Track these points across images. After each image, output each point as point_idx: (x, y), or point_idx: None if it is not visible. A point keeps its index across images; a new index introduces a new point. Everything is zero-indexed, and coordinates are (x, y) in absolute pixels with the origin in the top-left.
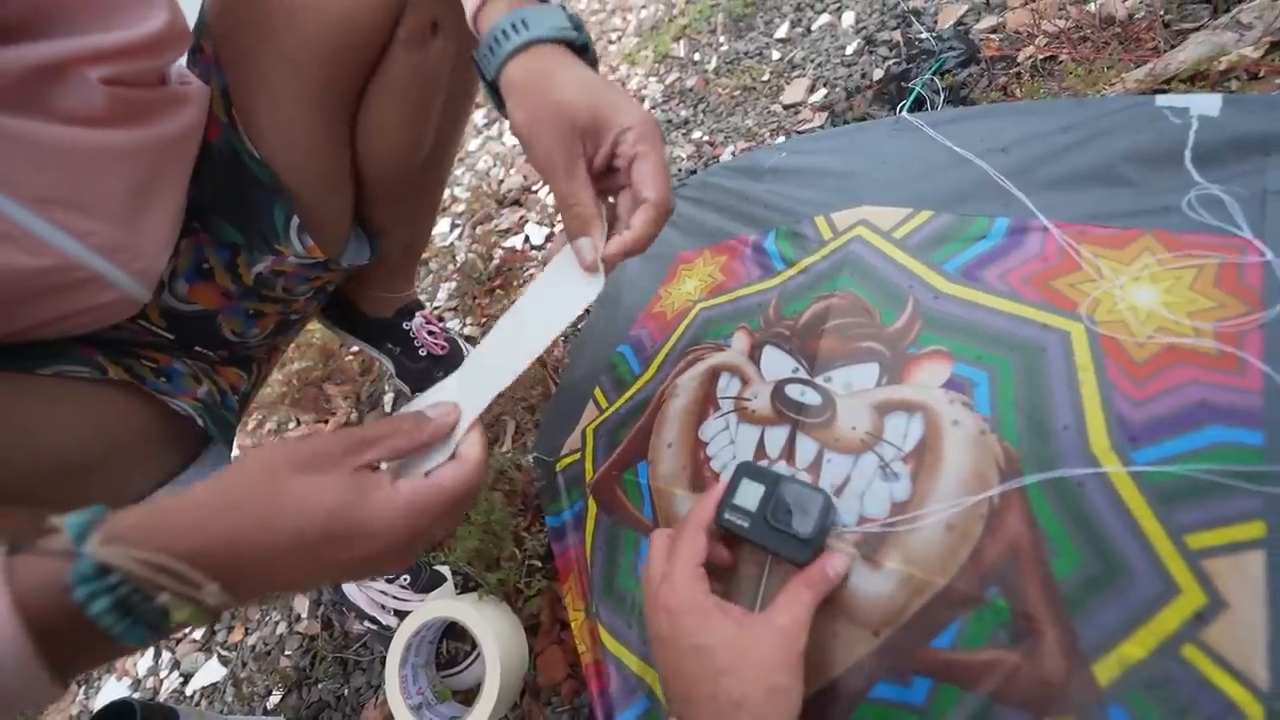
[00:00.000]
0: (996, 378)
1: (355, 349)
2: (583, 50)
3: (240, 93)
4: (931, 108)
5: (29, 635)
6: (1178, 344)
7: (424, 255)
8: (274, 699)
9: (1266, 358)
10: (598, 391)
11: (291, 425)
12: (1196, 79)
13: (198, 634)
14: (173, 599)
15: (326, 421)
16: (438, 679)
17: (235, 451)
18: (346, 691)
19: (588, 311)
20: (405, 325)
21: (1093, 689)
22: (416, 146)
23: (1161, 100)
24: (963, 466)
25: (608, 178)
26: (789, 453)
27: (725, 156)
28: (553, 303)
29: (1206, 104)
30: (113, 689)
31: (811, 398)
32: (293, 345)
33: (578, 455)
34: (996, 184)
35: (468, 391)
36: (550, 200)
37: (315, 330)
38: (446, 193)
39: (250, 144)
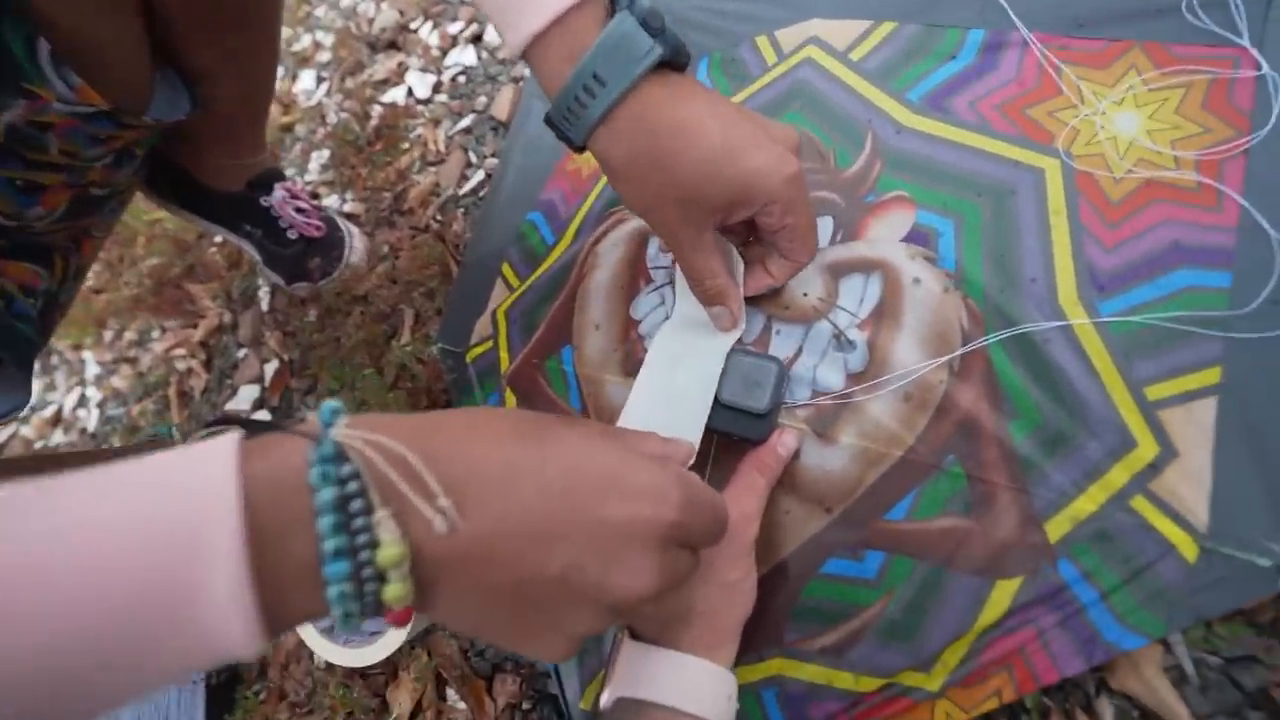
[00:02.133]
0: (962, 227)
1: (219, 239)
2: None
3: None
4: None
5: (245, 521)
6: (1156, 178)
7: (288, 119)
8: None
9: (1246, 189)
10: (506, 267)
11: (155, 334)
12: None
13: None
14: (390, 523)
15: (195, 325)
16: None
17: (92, 367)
18: None
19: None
20: (264, 200)
21: (1044, 547)
22: None
23: None
24: (924, 330)
25: (739, 227)
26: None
27: None
28: (699, 353)
29: None
30: None
31: None
32: (143, 238)
33: (490, 343)
34: None
35: None
36: (435, 42)
37: (165, 216)
38: (308, 38)
39: None
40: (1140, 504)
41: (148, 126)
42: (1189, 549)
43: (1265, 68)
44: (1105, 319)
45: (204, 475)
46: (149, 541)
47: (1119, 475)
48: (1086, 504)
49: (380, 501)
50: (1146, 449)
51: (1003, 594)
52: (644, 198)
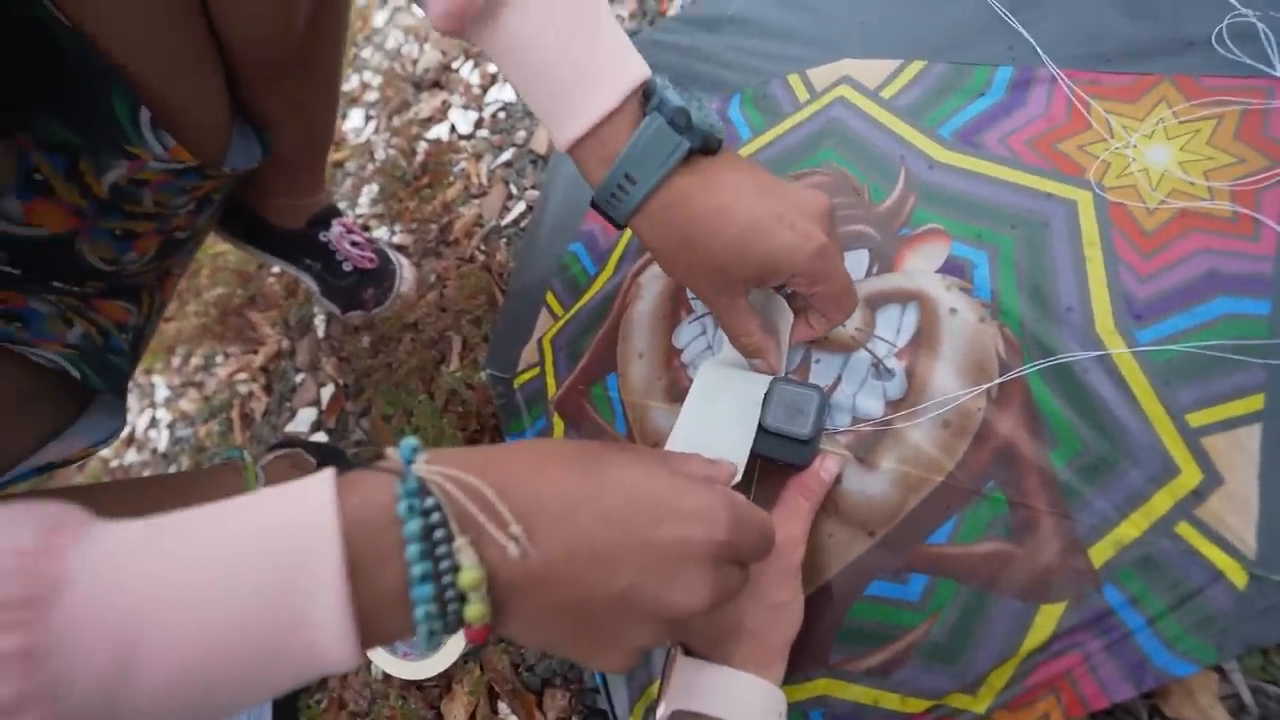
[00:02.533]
0: (997, 257)
1: (277, 269)
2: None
3: None
4: None
5: (344, 552)
6: (1190, 209)
7: (339, 155)
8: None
9: None
10: (550, 297)
11: (219, 359)
12: None
13: None
14: (469, 550)
15: (256, 351)
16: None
17: (162, 391)
18: None
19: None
20: (322, 236)
21: (1088, 572)
22: (287, 3)
23: None
24: (961, 358)
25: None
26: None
27: (674, 10)
28: (743, 381)
29: None
30: None
31: None
32: (206, 270)
33: (537, 370)
34: (1000, 21)
35: None
36: (476, 80)
37: (228, 249)
38: (355, 79)
39: (55, 8)
40: (1185, 530)
41: (226, 176)
42: (1238, 576)
43: None
44: (1145, 347)
45: (305, 513)
46: (264, 574)
47: (1162, 501)
48: (1130, 530)
49: (460, 530)
50: (1190, 476)
51: (1047, 618)
52: (679, 272)
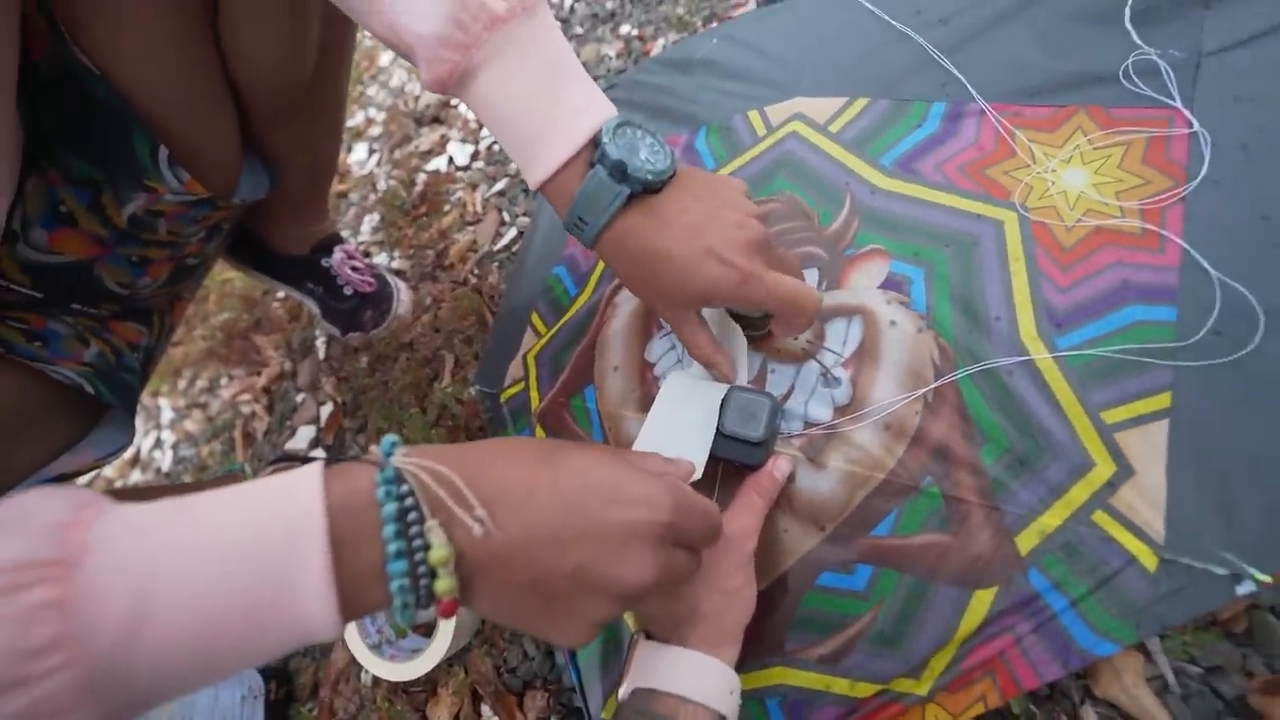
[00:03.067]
0: (932, 274)
1: (281, 295)
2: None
3: None
4: None
5: (329, 531)
6: (1104, 225)
7: (343, 186)
8: (222, 679)
9: (1186, 233)
10: (535, 316)
11: (223, 381)
12: None
13: None
14: (438, 530)
15: (259, 373)
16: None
17: (166, 412)
18: None
19: (521, 233)
20: (325, 262)
21: (1015, 559)
22: (297, 49)
23: None
24: (900, 366)
25: None
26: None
27: (656, 51)
28: (703, 391)
29: None
30: None
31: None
32: (214, 296)
33: (521, 384)
34: (934, 62)
35: None
36: (473, 116)
37: (236, 277)
38: (360, 115)
39: (85, 57)
40: (1101, 518)
41: (236, 206)
42: (1149, 559)
43: (1196, 125)
44: (1064, 352)
45: (296, 496)
46: (259, 547)
47: (1080, 493)
48: (1051, 519)
49: (431, 513)
50: (1104, 468)
51: (980, 603)
52: (637, 292)
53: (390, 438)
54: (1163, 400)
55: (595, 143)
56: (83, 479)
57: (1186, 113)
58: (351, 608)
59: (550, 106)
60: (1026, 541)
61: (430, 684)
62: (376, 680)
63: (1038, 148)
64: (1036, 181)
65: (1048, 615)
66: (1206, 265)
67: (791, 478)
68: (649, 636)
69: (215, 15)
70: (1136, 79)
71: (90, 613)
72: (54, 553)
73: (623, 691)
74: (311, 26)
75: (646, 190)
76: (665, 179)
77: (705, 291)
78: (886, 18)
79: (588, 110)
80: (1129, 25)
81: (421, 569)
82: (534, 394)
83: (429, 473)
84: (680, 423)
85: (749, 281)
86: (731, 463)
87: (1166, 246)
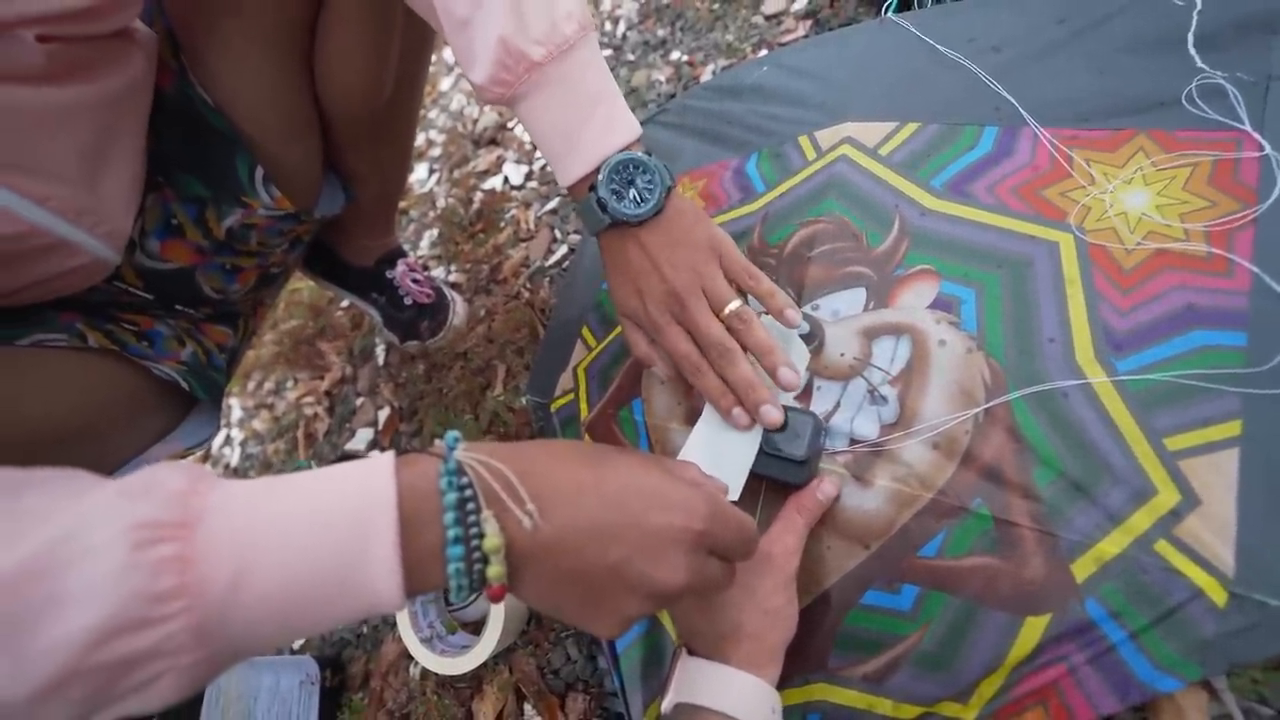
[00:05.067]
0: (983, 294)
1: (345, 304)
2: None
3: (186, 34)
4: (920, 5)
5: (398, 513)
6: (1167, 248)
7: (404, 203)
8: (299, 640)
9: (1256, 257)
10: (586, 331)
11: (289, 384)
12: None
13: None
14: (492, 521)
15: (323, 377)
16: (446, 613)
17: (236, 412)
18: (365, 629)
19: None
20: (388, 274)
21: (1071, 586)
22: (379, 79)
23: None
24: (949, 386)
25: None
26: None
27: (706, 77)
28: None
29: None
30: None
31: (800, 327)
32: (283, 304)
33: (571, 395)
34: (987, 87)
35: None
36: (527, 139)
37: (303, 288)
38: (422, 136)
39: (202, 90)
40: (1164, 548)
41: (316, 221)
42: (1218, 594)
43: (1268, 148)
44: (1123, 376)
45: (372, 481)
46: (340, 520)
47: (1141, 520)
48: (1110, 546)
49: (486, 504)
50: (1167, 496)
51: (1033, 629)
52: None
53: (454, 433)
54: (1232, 428)
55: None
56: None
57: (1256, 135)
58: (413, 583)
59: (580, 128)
60: (1083, 569)
61: (476, 680)
62: (425, 673)
63: (1096, 169)
64: (1094, 203)
65: (1105, 646)
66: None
67: (837, 496)
68: (691, 652)
69: (311, 52)
70: (1201, 103)
71: (204, 568)
72: (178, 515)
73: (666, 704)
74: (391, 62)
75: (625, 223)
76: (644, 219)
77: (627, 314)
78: (939, 46)
79: (605, 137)
80: (1192, 50)
81: (476, 555)
82: (583, 405)
83: (487, 468)
84: (723, 440)
85: (661, 335)
86: (774, 481)
87: (1235, 270)
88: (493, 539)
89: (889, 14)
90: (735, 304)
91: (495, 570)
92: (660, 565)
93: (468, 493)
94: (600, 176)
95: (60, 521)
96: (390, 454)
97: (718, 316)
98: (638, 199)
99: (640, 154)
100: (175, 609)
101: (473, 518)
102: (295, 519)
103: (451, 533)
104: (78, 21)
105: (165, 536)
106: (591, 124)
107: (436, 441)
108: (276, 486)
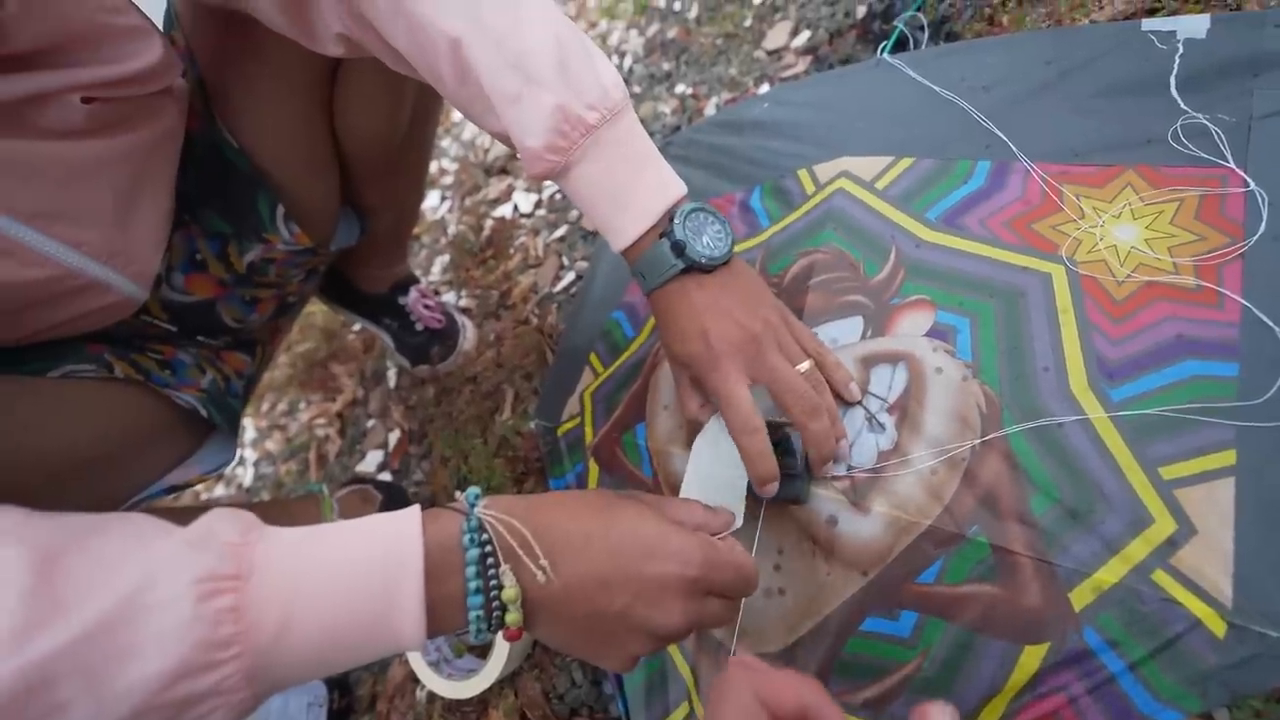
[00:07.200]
0: (978, 323)
1: (357, 327)
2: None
3: (214, 83)
4: (916, 45)
5: (424, 565)
6: (1157, 280)
7: (416, 230)
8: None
9: (1245, 290)
10: (593, 357)
11: (302, 405)
12: None
13: None
14: (509, 574)
15: (335, 400)
16: (453, 636)
17: (250, 432)
18: None
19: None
20: (401, 300)
21: (1069, 615)
22: (395, 120)
23: (1148, 24)
24: (945, 413)
25: None
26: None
27: (709, 109)
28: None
29: (1194, 26)
30: None
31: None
32: (297, 328)
33: (578, 420)
34: (979, 124)
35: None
36: None
37: (317, 311)
38: (435, 164)
39: (228, 134)
40: (1162, 578)
41: (331, 253)
42: (1216, 625)
43: (1252, 185)
44: (1117, 405)
45: (402, 535)
46: (373, 570)
47: (1138, 549)
48: (1108, 575)
49: (504, 559)
50: (1164, 525)
51: (1031, 658)
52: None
53: (474, 489)
54: (1227, 457)
55: (670, 216)
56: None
57: (1240, 172)
58: (435, 626)
59: (630, 189)
60: (1081, 598)
61: (482, 704)
62: (432, 696)
63: (1086, 203)
64: (1085, 236)
65: (1104, 677)
66: (1270, 323)
67: (834, 522)
68: None
69: (332, 97)
70: (1186, 141)
71: (254, 617)
72: (232, 568)
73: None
74: (407, 105)
75: (698, 268)
76: (718, 264)
77: (683, 360)
78: (933, 86)
79: (661, 192)
80: (1174, 93)
81: (495, 604)
82: (589, 429)
83: (505, 525)
84: (717, 471)
85: (715, 372)
86: (774, 499)
87: (1225, 303)
88: (510, 590)
89: (885, 54)
90: (808, 364)
91: (513, 616)
92: (658, 611)
93: (488, 548)
94: (675, 222)
95: (130, 574)
96: (416, 509)
97: None
98: (712, 245)
99: (709, 206)
100: (231, 654)
101: (492, 571)
102: (333, 569)
103: (473, 584)
104: (125, 86)
105: (224, 589)
106: (643, 183)
107: (458, 495)
108: (315, 537)
